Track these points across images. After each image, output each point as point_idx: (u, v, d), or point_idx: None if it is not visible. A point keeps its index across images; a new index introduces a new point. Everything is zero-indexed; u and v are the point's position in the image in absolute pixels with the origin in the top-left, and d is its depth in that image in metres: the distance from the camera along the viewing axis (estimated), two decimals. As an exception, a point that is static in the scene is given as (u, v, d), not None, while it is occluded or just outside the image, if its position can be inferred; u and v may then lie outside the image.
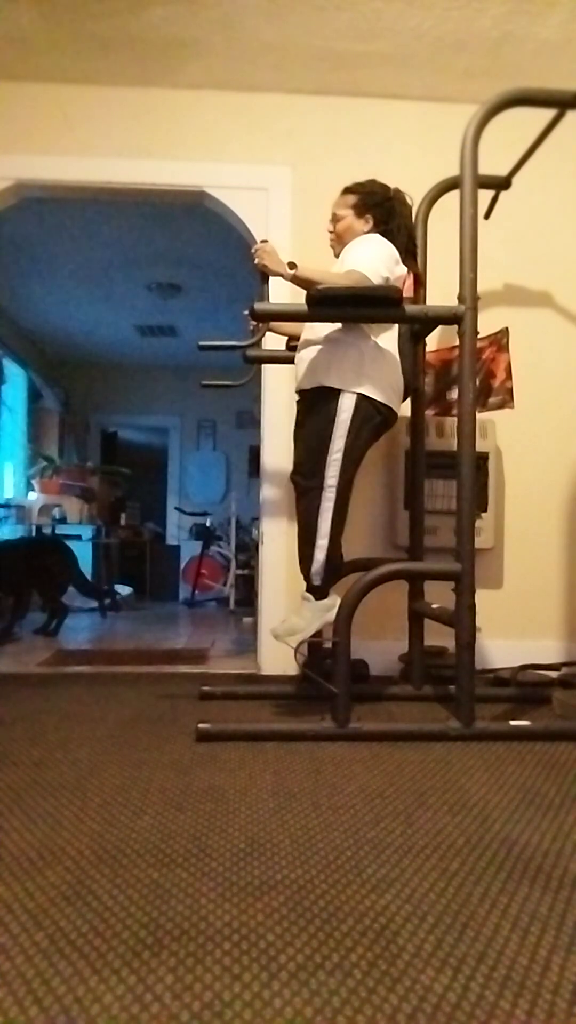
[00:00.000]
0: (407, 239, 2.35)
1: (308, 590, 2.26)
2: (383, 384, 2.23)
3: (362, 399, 2.20)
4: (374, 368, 2.22)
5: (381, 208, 2.33)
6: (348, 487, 2.23)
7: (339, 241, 2.35)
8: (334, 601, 2.19)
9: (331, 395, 2.21)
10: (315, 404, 2.24)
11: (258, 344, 2.41)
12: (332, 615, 2.18)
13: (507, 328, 2.87)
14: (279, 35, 2.74)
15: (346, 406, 2.19)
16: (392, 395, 2.28)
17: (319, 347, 2.26)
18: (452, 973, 0.91)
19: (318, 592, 2.23)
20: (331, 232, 2.39)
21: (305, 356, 2.31)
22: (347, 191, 2.38)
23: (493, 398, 2.88)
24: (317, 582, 2.22)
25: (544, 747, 1.94)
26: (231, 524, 6.32)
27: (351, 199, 2.35)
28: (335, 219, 2.37)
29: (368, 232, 2.30)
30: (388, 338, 2.30)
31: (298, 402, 2.37)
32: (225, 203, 3.06)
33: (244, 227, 3.08)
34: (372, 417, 2.23)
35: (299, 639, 2.19)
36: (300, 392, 2.33)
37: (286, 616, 2.35)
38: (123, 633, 4.38)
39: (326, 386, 2.22)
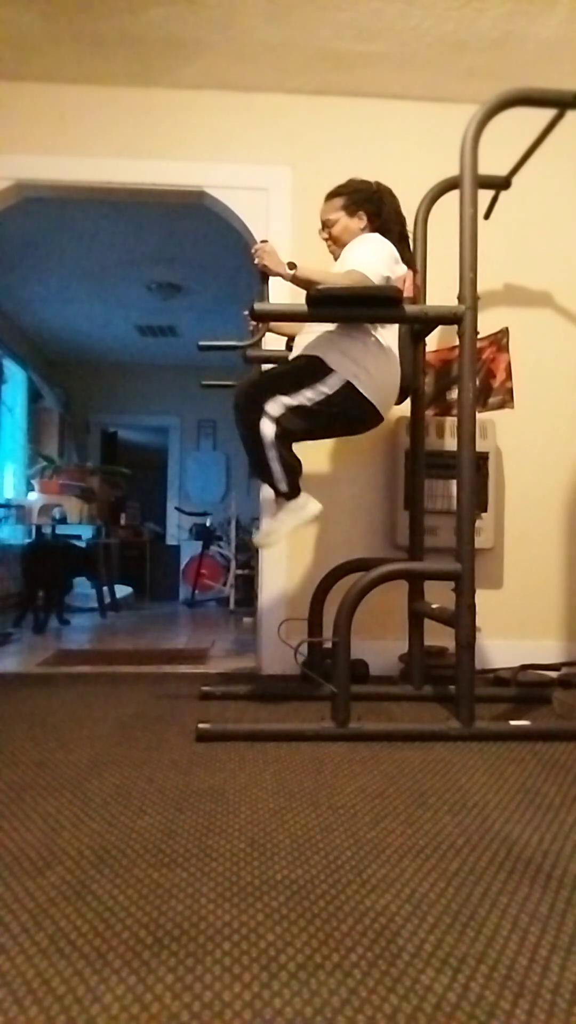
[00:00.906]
0: (400, 227, 2.35)
1: (277, 496, 2.24)
2: (375, 384, 2.22)
3: (350, 387, 2.18)
4: (373, 366, 2.21)
5: (370, 202, 2.33)
6: (290, 435, 2.17)
7: (337, 244, 2.35)
8: (306, 498, 2.20)
9: (322, 366, 2.19)
10: (304, 361, 2.22)
11: (258, 344, 2.41)
12: (307, 512, 2.20)
13: (507, 328, 2.87)
14: (279, 35, 2.74)
15: (331, 383, 2.17)
16: (384, 396, 2.26)
17: (319, 334, 2.26)
18: (452, 973, 0.91)
19: (288, 495, 2.21)
20: (326, 239, 2.39)
21: (303, 340, 2.31)
22: (332, 195, 2.37)
23: (493, 398, 2.88)
24: (283, 488, 2.20)
25: (544, 747, 1.94)
26: (231, 524, 6.32)
27: (338, 201, 2.35)
28: (327, 225, 2.36)
29: (364, 228, 2.30)
30: (389, 336, 2.30)
31: None
32: (225, 203, 3.07)
33: (244, 227, 3.08)
34: (350, 408, 2.21)
35: (276, 538, 2.23)
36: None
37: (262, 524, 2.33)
38: (123, 633, 4.38)
39: (319, 356, 2.20)
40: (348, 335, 2.22)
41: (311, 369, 2.19)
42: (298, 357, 2.28)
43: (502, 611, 3.02)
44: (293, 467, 2.20)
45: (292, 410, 2.15)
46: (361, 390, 2.19)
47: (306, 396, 2.16)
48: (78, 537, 5.30)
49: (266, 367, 2.96)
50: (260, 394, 2.16)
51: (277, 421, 2.14)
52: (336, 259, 2.35)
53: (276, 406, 2.14)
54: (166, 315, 5.96)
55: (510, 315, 3.06)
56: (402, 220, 2.37)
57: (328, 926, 1.02)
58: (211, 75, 2.98)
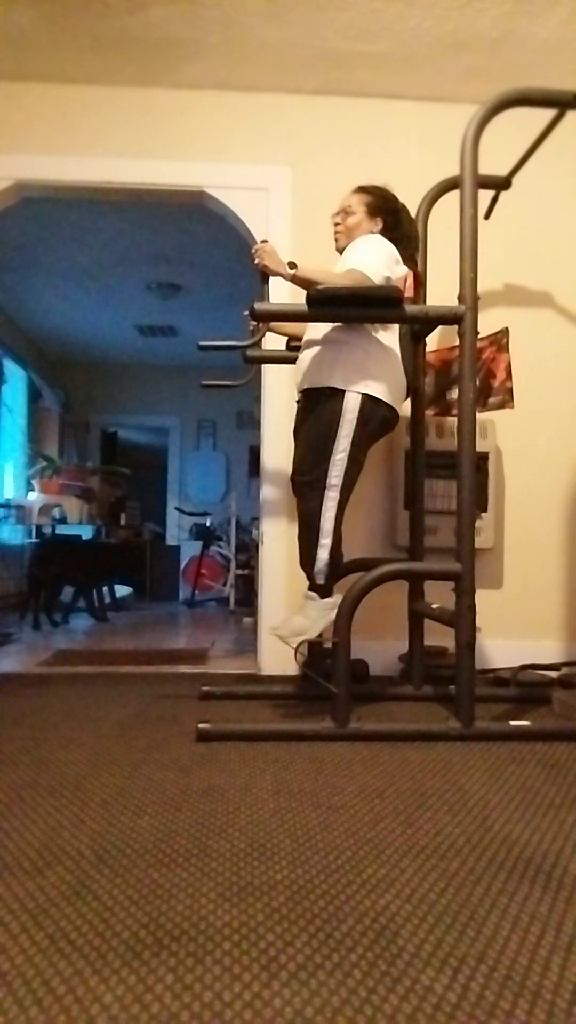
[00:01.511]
0: (413, 249, 2.38)
1: (311, 589, 2.26)
2: (387, 384, 2.24)
3: (367, 399, 2.20)
4: (378, 368, 2.22)
5: (392, 215, 2.35)
6: (350, 487, 2.23)
7: (347, 236, 2.35)
8: (337, 600, 2.19)
9: (335, 395, 2.21)
10: (318, 403, 2.24)
11: (258, 344, 2.41)
12: (335, 614, 2.18)
13: (507, 328, 2.87)
14: (279, 35, 2.74)
15: (351, 406, 2.19)
16: (396, 395, 2.29)
17: (322, 347, 2.26)
18: (452, 973, 0.91)
19: (321, 591, 2.23)
20: (338, 224, 2.38)
21: (308, 356, 2.31)
22: (362, 189, 2.38)
23: (493, 398, 2.88)
24: (321, 581, 2.22)
25: (544, 747, 1.94)
26: (231, 524, 6.32)
27: (366, 198, 2.35)
28: (347, 212, 2.36)
29: (374, 233, 2.30)
30: (390, 336, 2.30)
31: (299, 402, 2.37)
32: (225, 203, 3.06)
33: (244, 227, 3.08)
34: (376, 417, 2.23)
35: (304, 639, 2.19)
36: (303, 391, 2.33)
37: (288, 616, 2.34)
38: (123, 633, 4.38)
39: (330, 386, 2.22)
40: (346, 348, 2.22)
41: (328, 412, 2.21)
42: (309, 409, 2.28)
43: (502, 611, 3.01)
44: (338, 566, 2.24)
45: (347, 463, 2.19)
46: (377, 395, 2.22)
47: (343, 442, 2.19)
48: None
49: (267, 368, 2.97)
50: (314, 474, 2.21)
51: (340, 488, 2.19)
52: (339, 249, 2.36)
53: (335, 473, 2.19)
54: (166, 315, 5.96)
55: (510, 315, 3.06)
56: (415, 243, 2.40)
57: (328, 926, 1.02)
58: (211, 75, 2.98)
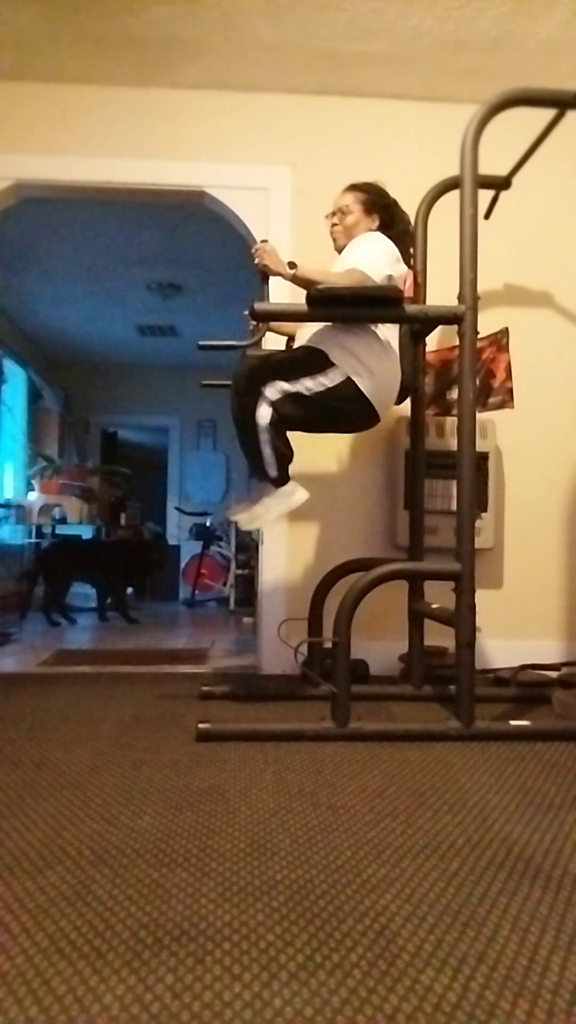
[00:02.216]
0: (406, 246, 2.36)
1: (263, 479, 2.23)
2: (375, 383, 2.22)
3: (350, 383, 2.18)
4: (376, 365, 2.21)
5: (386, 211, 2.34)
6: (283, 422, 2.17)
7: (346, 235, 2.34)
8: (294, 487, 2.19)
9: (325, 359, 2.19)
10: (306, 351, 2.22)
11: (258, 344, 2.41)
12: (295, 500, 2.19)
13: (507, 328, 2.87)
14: (279, 35, 2.74)
15: (333, 376, 2.17)
16: (383, 397, 2.26)
17: (322, 331, 2.26)
18: (452, 973, 0.91)
19: (276, 482, 2.21)
20: (335, 225, 2.38)
21: (307, 332, 2.31)
22: (356, 188, 2.38)
23: (493, 398, 2.88)
24: (273, 473, 2.19)
25: (544, 747, 1.94)
26: (231, 524, 6.31)
27: (361, 195, 2.35)
28: (344, 212, 2.36)
29: (372, 230, 2.30)
30: (390, 336, 2.29)
31: None
32: (225, 203, 3.07)
33: (244, 227, 3.08)
34: (349, 405, 2.21)
35: (261, 524, 2.22)
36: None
37: (245, 505, 2.29)
38: (123, 633, 4.38)
39: (323, 350, 2.20)
40: (351, 331, 2.22)
41: (313, 359, 2.19)
42: (300, 348, 2.28)
43: (502, 611, 3.02)
44: (284, 454, 2.20)
45: (290, 396, 2.15)
46: (361, 388, 2.19)
47: (305, 385, 2.16)
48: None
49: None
50: (259, 377, 2.16)
51: (273, 405, 2.14)
52: (337, 248, 2.36)
53: (274, 391, 2.14)
54: (166, 315, 5.96)
55: (510, 315, 3.06)
56: (410, 240, 2.39)
57: (328, 926, 1.02)
58: (211, 75, 2.98)
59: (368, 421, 2.29)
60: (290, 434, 2.22)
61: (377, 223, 2.32)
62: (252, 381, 2.16)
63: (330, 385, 2.17)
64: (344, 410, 2.23)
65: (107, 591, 4.90)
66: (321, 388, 2.17)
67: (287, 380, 2.15)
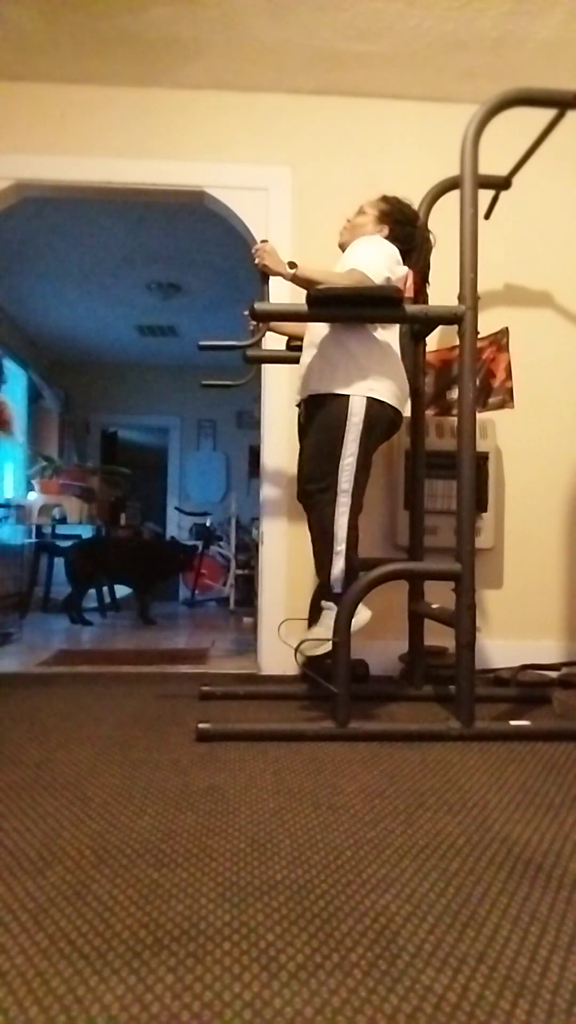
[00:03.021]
0: (425, 268, 2.36)
1: (327, 598, 2.22)
2: (390, 385, 2.23)
3: (372, 402, 2.19)
4: (380, 369, 2.21)
5: (401, 228, 2.33)
6: (362, 492, 2.21)
7: (351, 232, 2.35)
8: (360, 608, 2.12)
9: (339, 400, 2.19)
10: (322, 409, 2.23)
11: (258, 344, 2.41)
12: (359, 620, 2.12)
13: (507, 328, 2.87)
14: (279, 35, 2.74)
15: (356, 409, 2.18)
16: (399, 395, 2.27)
17: (322, 352, 2.25)
18: (452, 973, 0.91)
19: (338, 599, 2.19)
20: (348, 220, 2.39)
21: (307, 362, 2.30)
22: (385, 199, 2.37)
23: (493, 398, 2.88)
24: (338, 589, 2.18)
25: (544, 747, 1.94)
26: (231, 524, 6.32)
27: (382, 205, 2.35)
28: (360, 211, 2.37)
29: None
30: (390, 336, 2.29)
31: (300, 407, 2.35)
32: (225, 203, 3.06)
33: (244, 227, 3.08)
34: (382, 420, 2.22)
35: (325, 650, 2.14)
36: (305, 400, 2.31)
37: (306, 632, 2.27)
38: (123, 633, 4.38)
39: (333, 392, 2.20)
40: (348, 352, 2.21)
41: (334, 415, 2.19)
42: (313, 415, 2.27)
43: (502, 611, 3.02)
44: (354, 572, 2.19)
45: (356, 469, 2.17)
46: (382, 398, 2.20)
47: (351, 446, 2.17)
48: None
49: (267, 368, 2.97)
50: (323, 482, 2.19)
51: (351, 493, 2.17)
52: (340, 243, 2.37)
53: (347, 479, 2.17)
54: (166, 315, 5.96)
55: (510, 315, 3.06)
56: (427, 263, 2.39)
57: (328, 926, 1.02)
58: (211, 75, 2.98)
59: (398, 422, 2.31)
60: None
61: (385, 233, 2.31)
62: (320, 487, 2.19)
63: (361, 417, 2.17)
64: (381, 427, 2.23)
65: (140, 591, 4.89)
66: (359, 429, 2.17)
67: (344, 456, 2.17)
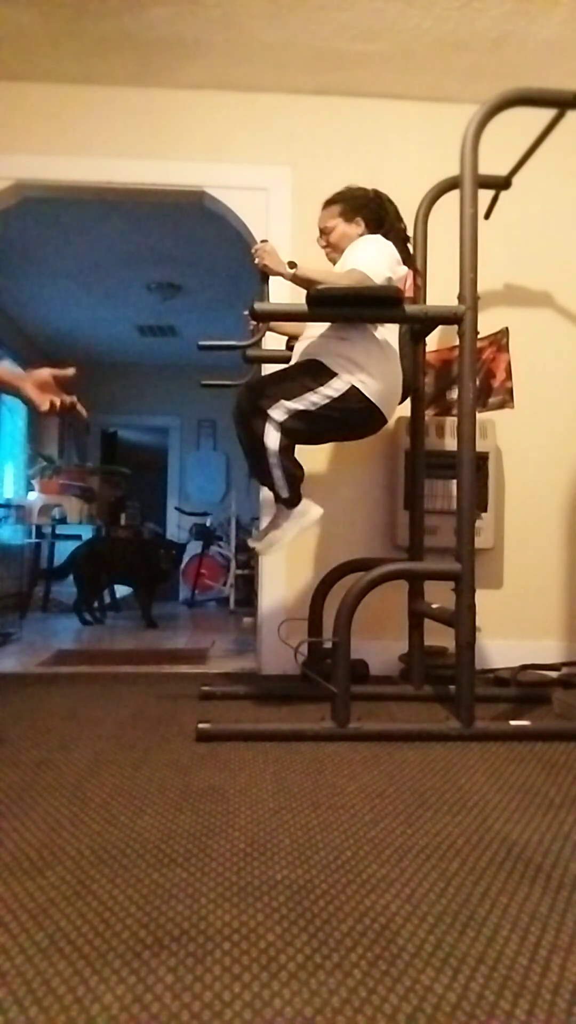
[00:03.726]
0: (402, 231, 2.35)
1: (277, 502, 2.24)
2: (379, 386, 2.21)
3: (354, 391, 2.17)
4: (376, 369, 2.21)
5: (368, 209, 2.32)
6: (292, 443, 2.17)
7: (335, 250, 2.34)
8: (307, 504, 2.19)
9: (326, 370, 2.18)
10: (306, 365, 2.21)
11: (258, 344, 2.41)
12: (308, 519, 2.19)
13: (507, 328, 2.87)
14: (279, 35, 2.74)
15: (336, 386, 2.16)
16: (387, 399, 2.25)
17: (319, 339, 2.25)
18: (452, 973, 0.91)
19: (288, 502, 2.21)
20: (324, 246, 2.38)
21: (302, 348, 2.30)
22: (329, 203, 2.37)
23: (493, 398, 2.88)
24: (285, 494, 2.19)
25: (544, 747, 1.94)
26: (231, 524, 6.32)
27: (335, 208, 2.34)
28: (325, 232, 2.36)
29: (362, 234, 2.29)
30: (390, 336, 2.29)
31: None
32: (225, 203, 3.07)
33: (244, 227, 3.08)
34: (356, 412, 2.20)
35: (280, 547, 2.22)
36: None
37: (262, 530, 2.31)
38: (123, 633, 4.38)
39: (323, 362, 2.19)
40: (347, 339, 2.21)
41: (313, 372, 2.18)
42: (296, 363, 2.27)
43: (502, 611, 3.01)
44: (295, 474, 2.20)
45: (296, 415, 2.14)
46: (367, 394, 2.19)
47: (310, 400, 2.15)
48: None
49: (267, 369, 2.97)
50: (263, 399, 2.14)
51: (281, 427, 2.13)
52: (335, 265, 2.34)
53: (280, 411, 2.13)
54: (166, 315, 5.96)
55: (510, 315, 3.06)
56: (403, 224, 2.37)
57: (328, 926, 1.02)
58: (211, 75, 2.98)
59: (375, 425, 2.29)
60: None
61: (363, 226, 2.30)
62: (255, 405, 2.14)
63: (335, 396, 2.16)
64: (352, 419, 2.22)
65: (142, 591, 4.85)
66: (326, 400, 2.15)
67: (291, 398, 2.14)
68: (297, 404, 2.14)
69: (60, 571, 4.92)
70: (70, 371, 1.91)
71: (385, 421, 2.30)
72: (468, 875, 1.18)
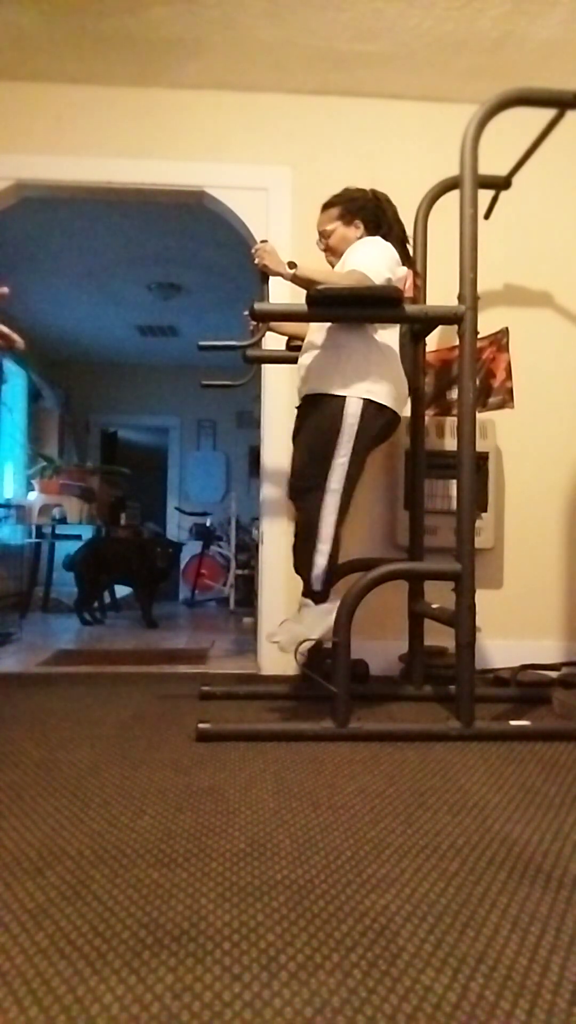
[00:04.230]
0: (401, 232, 2.35)
1: (306, 595, 2.23)
2: (387, 387, 2.22)
3: (368, 404, 2.18)
4: (379, 370, 2.21)
5: (366, 211, 2.32)
6: (351, 493, 2.21)
7: (334, 254, 2.34)
8: (335, 605, 2.16)
9: (336, 400, 2.19)
10: (318, 407, 2.22)
11: (258, 344, 2.41)
12: (332, 619, 2.15)
13: (507, 328, 2.87)
14: (279, 35, 2.74)
15: (352, 411, 2.17)
16: (398, 397, 2.27)
17: (322, 351, 2.25)
18: (452, 973, 0.91)
19: (317, 597, 2.21)
20: (324, 249, 2.38)
21: (307, 362, 2.30)
22: (327, 205, 2.37)
23: (493, 398, 2.88)
24: (318, 587, 2.20)
25: (544, 747, 1.94)
26: (231, 524, 6.32)
27: (334, 211, 2.34)
28: (324, 235, 2.36)
29: (361, 236, 2.29)
30: (390, 336, 2.29)
31: (299, 407, 2.35)
32: (225, 203, 3.06)
33: (244, 227, 3.08)
34: (377, 421, 2.21)
35: (303, 646, 2.16)
36: (303, 398, 2.31)
37: (284, 623, 2.29)
38: (123, 633, 4.38)
39: (330, 392, 2.20)
40: (346, 347, 2.21)
41: (328, 413, 2.19)
42: (305, 411, 2.27)
43: (502, 611, 3.01)
44: (334, 570, 2.21)
45: (348, 464, 2.17)
46: (379, 400, 2.20)
47: (344, 447, 2.16)
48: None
49: (267, 368, 2.97)
50: (314, 477, 2.18)
51: (342, 492, 2.17)
52: (334, 268, 2.34)
53: (337, 478, 2.17)
54: (166, 315, 5.96)
55: (510, 315, 3.06)
56: (402, 225, 2.37)
57: (328, 926, 1.02)
58: (211, 75, 2.98)
59: (395, 424, 2.30)
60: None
61: (362, 229, 2.30)
62: (310, 485, 2.19)
63: (358, 419, 2.17)
64: (377, 429, 2.22)
65: (142, 591, 4.84)
66: (353, 431, 2.17)
67: (337, 457, 2.16)
68: (343, 457, 2.17)
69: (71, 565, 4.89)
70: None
71: (400, 419, 2.31)
72: (468, 875, 1.18)
